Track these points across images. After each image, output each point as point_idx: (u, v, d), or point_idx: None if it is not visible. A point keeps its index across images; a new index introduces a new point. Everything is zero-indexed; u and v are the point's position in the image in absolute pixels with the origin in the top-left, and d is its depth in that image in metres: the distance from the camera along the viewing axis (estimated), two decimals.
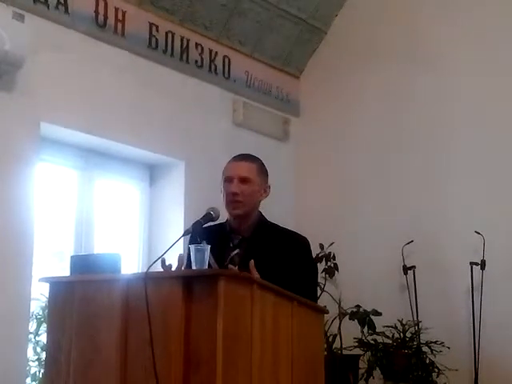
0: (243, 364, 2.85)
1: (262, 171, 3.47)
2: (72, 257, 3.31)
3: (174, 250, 3.30)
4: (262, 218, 3.49)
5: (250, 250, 3.32)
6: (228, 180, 3.40)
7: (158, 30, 5.25)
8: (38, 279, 3.29)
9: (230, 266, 3.19)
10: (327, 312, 3.64)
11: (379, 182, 5.83)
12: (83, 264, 3.14)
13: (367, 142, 5.95)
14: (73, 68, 4.69)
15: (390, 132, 5.85)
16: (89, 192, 5.05)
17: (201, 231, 3.18)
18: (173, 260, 3.36)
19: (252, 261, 3.13)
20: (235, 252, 3.28)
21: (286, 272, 3.22)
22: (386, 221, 5.71)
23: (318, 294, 3.85)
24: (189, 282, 2.82)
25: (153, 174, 5.48)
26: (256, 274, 3.07)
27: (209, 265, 2.98)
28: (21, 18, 4.23)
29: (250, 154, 3.55)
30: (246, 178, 3.38)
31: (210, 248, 2.93)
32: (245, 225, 3.43)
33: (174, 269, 3.15)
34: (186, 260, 3.30)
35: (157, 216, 5.40)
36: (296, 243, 3.42)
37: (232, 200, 3.37)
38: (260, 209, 3.54)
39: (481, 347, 5.09)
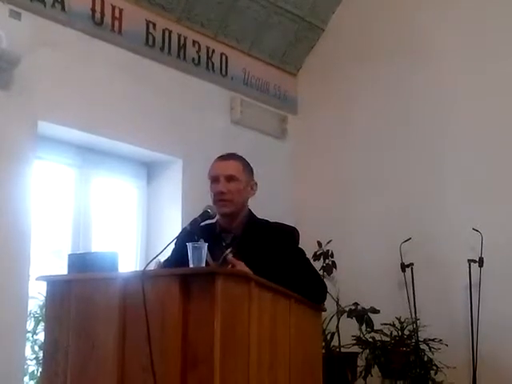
0: (241, 361, 2.85)
1: (248, 169, 3.49)
2: (69, 255, 3.32)
3: (171, 248, 3.30)
4: (251, 215, 3.50)
5: (243, 248, 3.33)
6: (214, 180, 3.41)
7: (155, 28, 5.24)
8: (35, 278, 3.29)
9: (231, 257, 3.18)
10: (325, 310, 3.65)
11: (377, 179, 5.83)
12: (81, 262, 3.14)
13: (365, 139, 5.94)
14: (70, 66, 4.68)
15: (387, 129, 5.84)
16: (86, 190, 5.04)
17: (195, 230, 3.19)
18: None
19: (230, 254, 3.15)
20: (229, 251, 3.28)
21: (276, 264, 3.21)
22: (383, 218, 5.71)
23: None
24: (186, 280, 2.82)
25: (150, 171, 5.48)
26: (239, 265, 3.08)
27: (206, 263, 2.98)
28: (17, 16, 4.23)
29: (233, 153, 3.55)
30: (233, 176, 3.39)
31: None
32: (235, 223, 3.45)
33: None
34: (172, 256, 3.36)
35: (154, 214, 5.39)
36: (281, 233, 3.43)
37: (220, 199, 3.38)
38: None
39: (479, 344, 5.09)
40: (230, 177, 3.39)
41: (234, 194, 3.38)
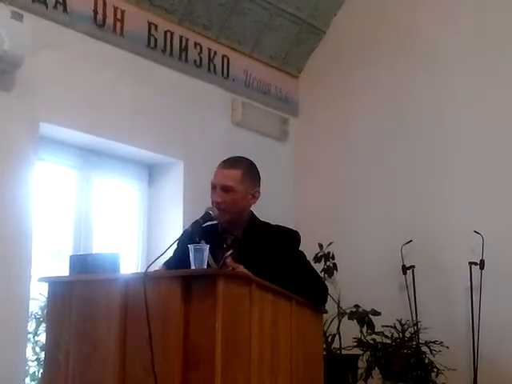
0: (242, 363, 2.85)
1: (248, 177, 3.44)
2: (71, 256, 3.32)
3: (173, 250, 3.31)
4: (253, 217, 3.51)
5: (244, 250, 3.34)
6: (212, 187, 3.42)
7: (156, 30, 5.24)
8: (36, 279, 3.30)
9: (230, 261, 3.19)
10: (326, 312, 3.64)
11: (378, 181, 5.83)
12: (82, 264, 3.15)
13: (366, 141, 5.94)
14: (72, 67, 4.68)
15: (388, 131, 5.85)
16: (87, 192, 5.04)
17: (196, 231, 3.20)
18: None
19: (230, 258, 3.15)
20: (229, 252, 3.29)
21: (277, 267, 3.22)
22: (385, 220, 5.71)
23: None
24: (188, 281, 2.82)
25: (151, 173, 5.48)
26: (239, 268, 3.09)
27: (208, 264, 2.99)
28: (19, 17, 4.22)
29: (241, 157, 3.54)
30: (228, 186, 3.37)
31: None
32: (236, 226, 3.45)
33: None
34: (174, 257, 3.37)
35: (155, 216, 5.39)
36: (283, 237, 3.44)
37: (216, 208, 3.37)
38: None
39: (480, 347, 5.09)
40: (226, 187, 3.37)
41: (229, 205, 3.37)
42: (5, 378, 4.09)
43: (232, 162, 3.46)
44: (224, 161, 3.48)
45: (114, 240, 5.28)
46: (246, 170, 3.44)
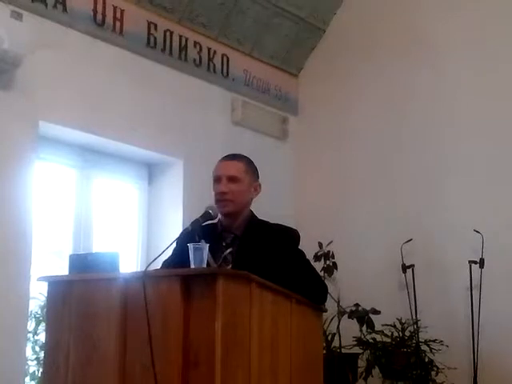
0: (242, 361, 2.85)
1: (251, 170, 3.51)
2: (70, 256, 3.32)
3: (172, 249, 3.30)
4: (252, 215, 3.52)
5: (243, 248, 3.34)
6: (217, 179, 3.45)
7: (156, 29, 5.25)
8: (36, 278, 3.29)
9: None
10: (326, 311, 3.65)
11: (378, 180, 5.83)
12: (82, 263, 3.14)
13: (366, 140, 5.94)
14: (71, 67, 4.68)
15: (388, 130, 5.84)
16: (87, 191, 5.04)
17: (196, 230, 3.21)
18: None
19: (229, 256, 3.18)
20: (228, 251, 3.29)
21: (277, 265, 3.22)
22: (384, 219, 5.71)
23: None
24: (187, 280, 2.82)
25: (151, 172, 5.48)
26: None
27: (207, 263, 2.98)
28: (19, 16, 4.23)
29: (239, 153, 3.59)
30: (235, 176, 3.42)
31: None
32: (236, 223, 3.46)
33: None
34: (173, 256, 3.37)
35: (155, 215, 5.40)
36: (283, 235, 3.45)
37: (221, 199, 3.40)
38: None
39: (480, 345, 5.09)
40: (232, 177, 3.41)
41: (235, 195, 3.40)
42: (5, 377, 4.09)
43: (234, 156, 3.53)
44: (225, 156, 3.55)
45: (114, 239, 5.28)
46: (247, 162, 3.53)
